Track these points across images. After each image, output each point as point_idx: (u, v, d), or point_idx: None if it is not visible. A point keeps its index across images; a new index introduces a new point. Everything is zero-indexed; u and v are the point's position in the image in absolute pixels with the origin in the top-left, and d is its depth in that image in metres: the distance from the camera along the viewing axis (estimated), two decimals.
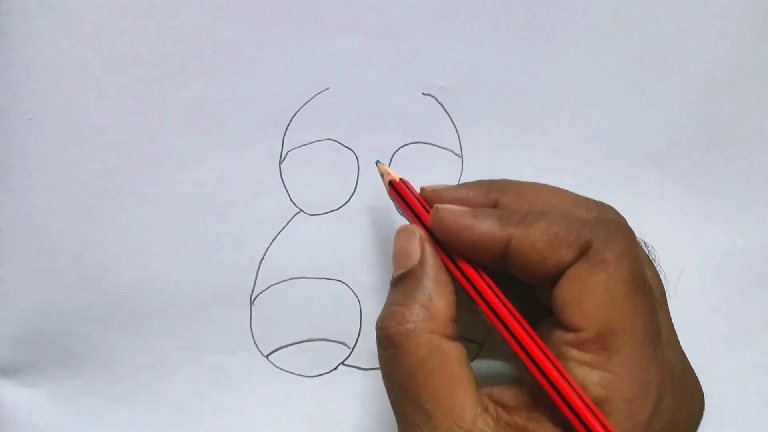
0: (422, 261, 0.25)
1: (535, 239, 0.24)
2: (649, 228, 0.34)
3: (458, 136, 0.32)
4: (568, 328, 0.24)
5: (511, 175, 0.32)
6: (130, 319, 0.32)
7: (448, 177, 0.32)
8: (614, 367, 0.23)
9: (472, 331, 0.33)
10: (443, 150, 0.32)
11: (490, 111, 0.32)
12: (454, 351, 0.25)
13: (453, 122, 0.32)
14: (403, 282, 0.26)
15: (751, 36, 0.33)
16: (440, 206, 0.26)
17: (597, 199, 0.30)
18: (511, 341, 0.24)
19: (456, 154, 0.32)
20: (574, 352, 0.23)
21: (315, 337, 0.33)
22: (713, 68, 0.33)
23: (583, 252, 0.24)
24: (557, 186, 0.28)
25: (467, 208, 0.26)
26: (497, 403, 0.24)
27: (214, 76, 0.31)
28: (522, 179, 0.32)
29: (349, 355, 0.33)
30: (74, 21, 0.30)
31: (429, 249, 0.26)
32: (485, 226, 0.24)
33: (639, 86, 0.33)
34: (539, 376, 0.23)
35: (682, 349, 0.26)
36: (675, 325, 0.34)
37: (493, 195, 0.27)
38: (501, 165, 0.33)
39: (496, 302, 0.25)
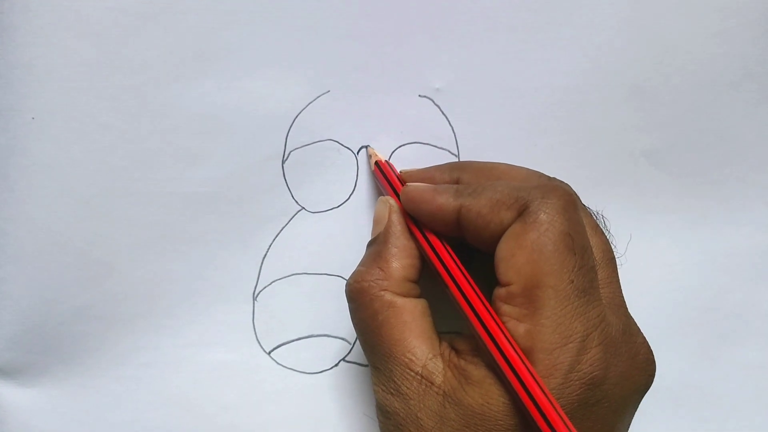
0: (387, 228, 0.29)
1: (481, 206, 0.27)
2: (647, 225, 0.35)
3: (455, 136, 0.33)
4: (501, 283, 0.26)
5: None
6: (132, 317, 0.32)
7: None
8: (539, 319, 0.25)
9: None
10: (440, 150, 0.34)
11: (485, 111, 0.33)
12: (407, 305, 0.28)
13: (449, 123, 0.33)
14: (371, 246, 0.30)
15: (750, 36, 0.34)
16: (409, 184, 0.30)
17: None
18: (456, 292, 0.27)
19: (453, 154, 0.34)
20: (507, 307, 0.26)
21: (316, 332, 0.33)
22: (712, 68, 0.34)
23: (520, 213, 0.26)
24: (514, 164, 0.31)
25: (431, 185, 0.29)
26: (455, 349, 0.27)
27: (219, 78, 0.32)
28: None
29: (350, 351, 0.34)
30: (77, 21, 0.30)
31: (395, 218, 0.29)
32: (442, 198, 0.28)
33: (637, 86, 0.34)
34: (476, 326, 0.26)
35: (627, 314, 0.28)
36: (676, 323, 0.35)
37: (455, 173, 0.30)
38: None
39: (449, 261, 0.28)
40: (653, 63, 0.34)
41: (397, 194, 0.30)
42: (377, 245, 0.29)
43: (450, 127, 0.33)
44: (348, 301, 0.29)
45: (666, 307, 0.35)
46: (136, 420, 0.32)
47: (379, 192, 0.33)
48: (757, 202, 0.35)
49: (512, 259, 0.26)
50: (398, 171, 0.32)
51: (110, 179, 0.31)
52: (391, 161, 0.33)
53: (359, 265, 0.29)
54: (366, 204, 0.33)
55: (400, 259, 0.28)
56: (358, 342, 0.33)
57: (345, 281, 0.33)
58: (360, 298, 0.28)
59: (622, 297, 0.28)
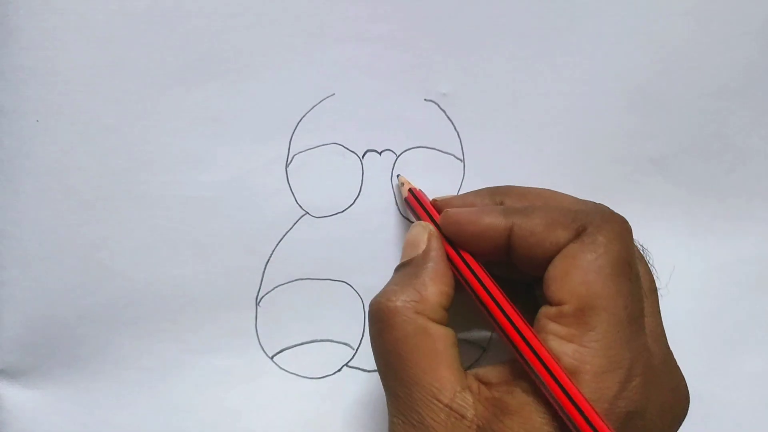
0: (426, 251, 0.28)
1: (535, 224, 0.26)
2: (653, 233, 0.35)
3: (460, 141, 0.33)
4: (551, 302, 0.25)
5: (512, 179, 0.33)
6: (135, 321, 0.32)
7: (450, 180, 0.33)
8: (588, 341, 0.24)
9: (477, 335, 0.34)
10: (445, 154, 0.33)
11: (491, 116, 0.33)
12: (440, 332, 0.26)
13: (455, 127, 0.33)
14: (404, 268, 0.28)
15: (756, 44, 0.34)
16: (449, 209, 0.29)
17: (600, 203, 0.31)
18: (499, 315, 0.26)
19: (458, 159, 0.33)
20: (553, 326, 0.25)
21: (319, 337, 0.33)
22: (720, 75, 0.34)
23: (578, 234, 0.26)
24: (557, 191, 0.30)
25: (474, 208, 0.28)
26: (482, 381, 0.26)
27: (223, 81, 0.31)
28: (524, 184, 0.33)
29: (353, 356, 0.33)
30: (81, 23, 0.30)
31: (435, 243, 0.28)
32: (490, 218, 0.27)
33: (644, 92, 0.34)
34: (518, 345, 0.25)
35: (666, 344, 0.28)
36: (678, 331, 0.35)
37: (497, 198, 0.30)
38: (502, 170, 0.33)
39: (491, 285, 0.27)
40: (659, 70, 0.34)
41: (433, 221, 0.29)
42: (413, 267, 0.28)
43: (455, 132, 0.33)
44: (373, 321, 0.27)
45: (671, 315, 0.35)
46: (138, 423, 0.32)
47: (385, 197, 0.33)
48: (762, 210, 0.35)
49: (566, 278, 0.25)
50: (429, 199, 0.32)
51: (114, 182, 0.31)
52: (421, 189, 0.32)
53: (388, 285, 0.28)
54: (371, 209, 0.33)
55: (438, 285, 0.27)
56: (360, 347, 0.33)
57: (348, 286, 0.33)
58: (390, 318, 0.26)
59: (663, 328, 0.28)
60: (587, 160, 0.34)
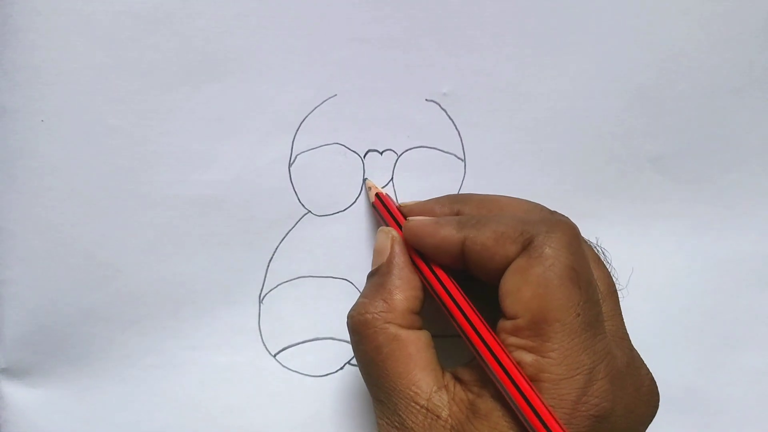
0: (390, 260, 0.29)
1: (485, 238, 0.27)
2: (652, 231, 0.35)
3: (461, 140, 0.34)
4: (507, 316, 0.26)
5: (513, 178, 0.33)
6: (138, 319, 0.32)
7: (451, 180, 0.34)
8: (546, 351, 0.25)
9: None
10: (446, 154, 0.34)
11: (492, 116, 0.33)
12: (412, 337, 0.27)
13: (456, 127, 0.33)
14: (373, 277, 0.29)
15: (755, 43, 0.34)
16: (411, 218, 0.30)
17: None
18: (464, 323, 0.27)
19: (459, 158, 0.34)
20: (512, 339, 0.26)
21: (322, 335, 0.34)
22: (717, 74, 0.34)
23: (525, 247, 0.26)
24: (515, 197, 0.31)
25: (433, 218, 0.29)
26: (459, 380, 0.27)
27: (226, 81, 0.32)
28: (524, 183, 0.34)
29: None
30: (85, 24, 0.31)
31: (397, 249, 0.29)
32: (445, 231, 0.28)
33: (643, 92, 0.34)
34: (482, 353, 0.26)
35: (631, 346, 0.28)
36: (681, 329, 0.35)
37: (455, 206, 0.30)
38: (503, 169, 0.34)
39: (456, 293, 0.28)
40: (658, 69, 0.34)
41: (399, 226, 0.30)
42: (380, 276, 0.29)
43: (456, 132, 0.33)
44: (350, 333, 0.29)
45: (670, 312, 0.35)
46: (141, 421, 0.32)
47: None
48: (761, 208, 0.35)
49: (518, 293, 0.26)
50: (397, 203, 0.32)
51: (117, 181, 0.32)
52: (388, 193, 0.33)
53: (361, 296, 0.29)
54: (372, 208, 0.33)
55: (404, 291, 0.28)
56: None
57: (350, 284, 0.33)
58: (364, 330, 0.28)
59: (625, 329, 0.28)
60: (587, 159, 0.34)
